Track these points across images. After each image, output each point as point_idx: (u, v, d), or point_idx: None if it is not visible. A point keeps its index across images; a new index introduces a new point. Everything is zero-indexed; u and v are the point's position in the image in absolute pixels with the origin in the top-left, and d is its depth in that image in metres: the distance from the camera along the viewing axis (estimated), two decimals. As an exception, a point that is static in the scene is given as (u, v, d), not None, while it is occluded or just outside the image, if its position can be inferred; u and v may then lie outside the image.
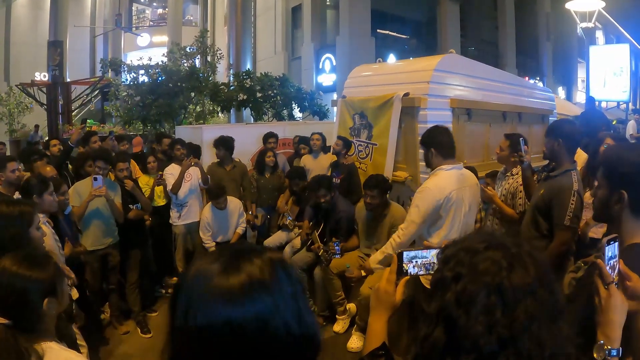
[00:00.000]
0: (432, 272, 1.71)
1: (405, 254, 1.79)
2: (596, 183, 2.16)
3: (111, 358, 5.45)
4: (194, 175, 7.03)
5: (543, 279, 1.15)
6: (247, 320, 1.03)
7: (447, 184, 4.04)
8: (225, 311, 1.03)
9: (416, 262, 1.78)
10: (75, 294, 4.24)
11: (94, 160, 5.94)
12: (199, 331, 1.04)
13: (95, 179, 5.46)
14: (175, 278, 7.23)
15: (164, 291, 7.11)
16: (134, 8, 41.94)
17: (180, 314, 1.07)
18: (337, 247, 5.73)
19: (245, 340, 1.03)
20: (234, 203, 6.86)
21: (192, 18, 40.36)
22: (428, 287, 1.67)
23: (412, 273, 1.78)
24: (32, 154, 6.70)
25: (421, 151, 5.97)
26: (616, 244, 1.67)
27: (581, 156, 6.32)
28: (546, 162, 5.19)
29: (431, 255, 1.77)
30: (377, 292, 1.79)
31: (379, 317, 1.77)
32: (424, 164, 5.97)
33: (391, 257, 3.48)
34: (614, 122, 25.60)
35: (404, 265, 1.78)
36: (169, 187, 6.88)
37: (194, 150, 7.41)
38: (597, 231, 4.53)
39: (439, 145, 4.14)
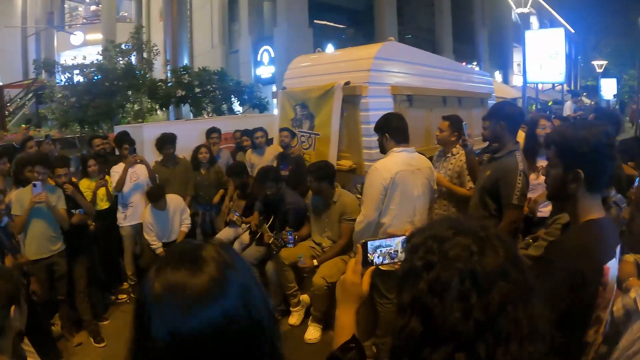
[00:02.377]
0: (397, 261, 1.70)
1: (369, 243, 1.75)
2: (539, 165, 2.18)
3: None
4: (140, 174, 6.88)
5: (513, 260, 1.16)
6: (217, 319, 1.06)
7: (393, 164, 4.15)
8: (197, 316, 1.05)
9: (381, 251, 1.75)
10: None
11: (32, 166, 5.73)
12: (170, 339, 1.04)
13: (35, 185, 5.28)
14: (125, 284, 7.06)
15: (113, 297, 6.92)
16: (66, 5, 40.65)
17: (146, 326, 1.07)
18: (290, 237, 5.72)
19: (220, 337, 1.06)
20: (174, 201, 6.73)
21: (126, 14, 39.37)
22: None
23: (377, 263, 1.75)
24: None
25: (364, 139, 6.07)
26: None
27: (520, 134, 6.48)
28: (486, 144, 5.29)
29: (395, 244, 1.74)
30: (343, 284, 1.75)
31: (347, 310, 1.73)
32: (367, 151, 6.08)
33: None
34: (550, 103, 26.43)
35: (369, 255, 1.75)
36: (114, 184, 6.72)
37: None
38: (544, 210, 4.66)
39: (391, 130, 4.25)
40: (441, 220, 1.28)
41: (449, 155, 5.33)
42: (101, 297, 6.58)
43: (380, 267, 1.77)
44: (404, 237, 1.68)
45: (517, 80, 36.06)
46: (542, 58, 22.31)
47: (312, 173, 5.50)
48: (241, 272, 1.14)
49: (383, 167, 4.16)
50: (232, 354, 1.07)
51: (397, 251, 1.75)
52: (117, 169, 6.82)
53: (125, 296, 6.94)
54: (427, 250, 1.18)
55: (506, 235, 1.23)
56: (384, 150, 4.35)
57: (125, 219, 6.89)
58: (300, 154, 7.05)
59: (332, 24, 24.35)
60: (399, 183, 4.12)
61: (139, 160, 6.78)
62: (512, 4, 18.16)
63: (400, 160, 4.18)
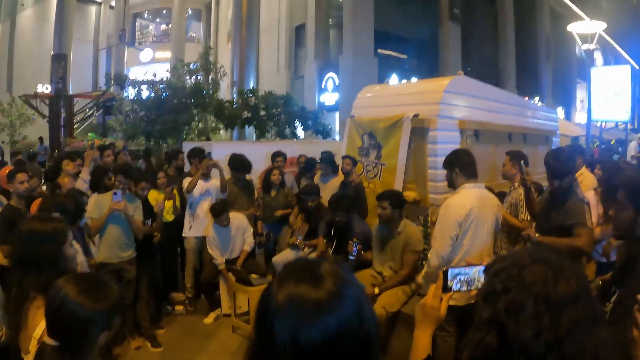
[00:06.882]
0: (473, 289, 1.85)
1: (450, 271, 1.88)
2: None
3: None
4: (210, 188, 7.15)
5: (584, 289, 1.28)
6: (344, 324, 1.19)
7: (468, 200, 4.20)
8: (315, 326, 1.16)
9: (460, 279, 1.88)
10: None
11: (115, 175, 5.98)
12: (290, 345, 1.16)
13: (115, 193, 5.53)
14: (182, 295, 7.23)
15: (170, 307, 7.10)
16: (137, 23, 42.23)
17: (268, 331, 1.19)
18: (354, 249, 5.70)
19: (335, 346, 1.18)
20: (238, 219, 6.88)
21: (194, 35, 40.57)
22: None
23: (455, 289, 1.88)
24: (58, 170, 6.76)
25: (431, 171, 6.09)
26: None
27: (588, 176, 6.44)
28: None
29: (473, 272, 1.87)
30: (423, 307, 1.87)
31: (425, 331, 1.85)
32: (433, 184, 6.10)
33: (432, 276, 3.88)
34: (612, 142, 25.69)
35: (448, 282, 1.87)
36: (185, 184, 7.00)
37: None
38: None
39: (462, 166, 4.33)
40: (522, 250, 1.42)
41: (512, 188, 5.38)
42: (159, 306, 6.76)
43: (455, 293, 1.90)
44: (482, 266, 1.81)
45: (579, 117, 35.34)
46: (608, 96, 21.75)
47: (386, 199, 5.49)
48: (355, 288, 1.27)
49: (458, 203, 4.21)
50: None
51: (474, 279, 1.88)
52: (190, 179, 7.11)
53: (182, 307, 7.11)
54: (507, 275, 1.31)
55: (579, 267, 1.34)
56: (453, 186, 4.41)
57: (190, 230, 7.09)
58: (360, 181, 7.12)
59: (395, 53, 24.39)
60: (473, 219, 4.17)
61: (213, 163, 7.08)
62: (578, 39, 17.94)
63: (473, 197, 4.24)
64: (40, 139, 23.38)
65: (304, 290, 1.20)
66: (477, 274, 1.87)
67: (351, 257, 5.72)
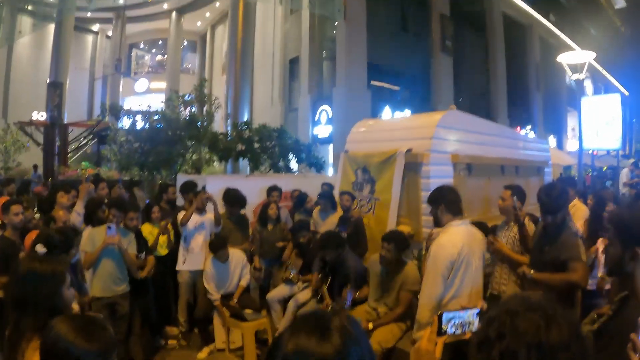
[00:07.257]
0: (467, 331, 1.91)
1: (444, 315, 1.93)
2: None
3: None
4: (205, 222, 7.17)
5: (575, 335, 1.32)
6: None
7: (458, 238, 4.16)
8: None
9: (454, 322, 1.92)
10: None
11: (108, 208, 5.98)
12: None
13: (110, 227, 5.51)
14: (175, 329, 7.19)
15: (163, 342, 7.05)
16: (133, 53, 42.55)
17: None
18: (349, 296, 5.70)
19: None
20: (236, 255, 6.85)
21: (190, 66, 40.86)
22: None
23: (449, 333, 1.93)
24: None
25: (424, 206, 6.12)
26: None
27: (580, 207, 6.49)
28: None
29: (467, 315, 1.92)
30: (418, 351, 1.90)
31: None
32: (426, 218, 6.13)
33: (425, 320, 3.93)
34: (604, 169, 25.85)
35: (442, 325, 1.91)
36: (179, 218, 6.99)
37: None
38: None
39: (448, 203, 4.28)
40: (515, 296, 1.47)
41: (512, 223, 5.34)
42: (152, 340, 6.73)
43: (450, 336, 1.94)
44: (476, 309, 1.86)
45: (571, 145, 35.59)
46: (599, 124, 21.82)
47: (391, 241, 5.43)
48: (362, 345, 1.32)
49: (449, 243, 4.14)
50: None
51: (468, 322, 1.93)
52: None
53: (175, 342, 7.04)
54: (500, 323, 1.35)
55: (571, 312, 1.40)
56: (439, 223, 4.35)
57: (184, 263, 7.08)
58: (359, 216, 7.13)
59: (388, 85, 24.46)
60: (464, 257, 4.12)
61: (208, 197, 7.08)
62: (568, 70, 18.05)
63: (462, 234, 4.20)
64: (35, 166, 23.38)
65: (312, 344, 1.25)
66: (471, 317, 1.92)
67: (347, 305, 5.71)
